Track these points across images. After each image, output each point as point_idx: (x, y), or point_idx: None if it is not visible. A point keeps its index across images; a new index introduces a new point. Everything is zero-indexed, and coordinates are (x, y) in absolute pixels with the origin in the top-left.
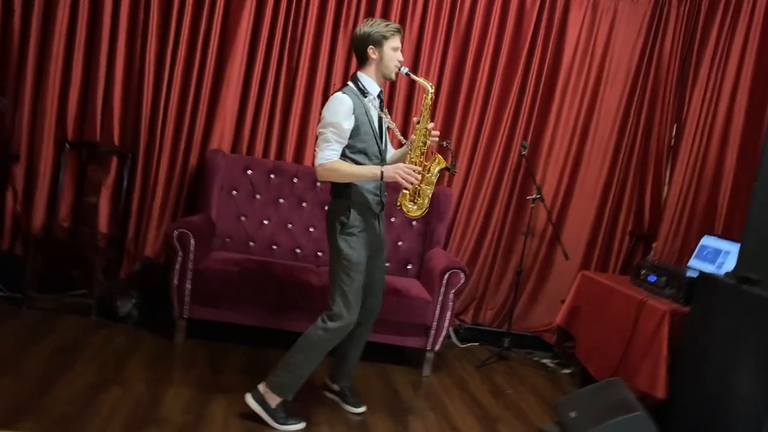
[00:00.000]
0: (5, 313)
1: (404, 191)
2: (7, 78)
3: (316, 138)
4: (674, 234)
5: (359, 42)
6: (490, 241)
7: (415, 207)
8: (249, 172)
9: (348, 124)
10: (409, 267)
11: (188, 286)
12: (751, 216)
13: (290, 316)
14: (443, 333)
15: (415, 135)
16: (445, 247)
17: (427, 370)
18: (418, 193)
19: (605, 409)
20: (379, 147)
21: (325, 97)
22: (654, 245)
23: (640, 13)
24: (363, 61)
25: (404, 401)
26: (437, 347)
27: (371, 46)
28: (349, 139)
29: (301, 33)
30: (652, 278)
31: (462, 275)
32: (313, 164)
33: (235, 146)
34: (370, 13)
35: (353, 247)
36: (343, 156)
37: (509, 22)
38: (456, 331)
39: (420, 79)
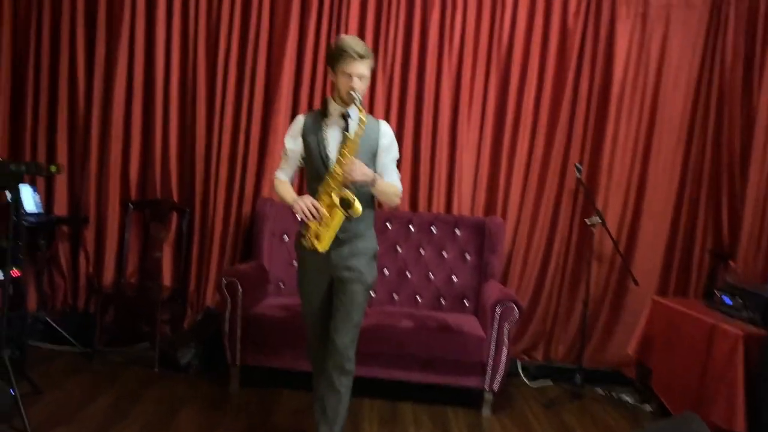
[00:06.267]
0: (76, 367)
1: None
2: (75, 146)
3: None
4: (755, 251)
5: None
6: (554, 272)
7: (314, 243)
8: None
9: (293, 145)
10: (466, 303)
11: (239, 333)
12: None
13: None
14: (500, 371)
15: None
16: (504, 280)
17: (486, 411)
18: (318, 235)
19: None
20: (327, 170)
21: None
22: (732, 263)
23: (695, 16)
24: None
25: None
26: (495, 386)
27: (329, 65)
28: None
29: None
30: (728, 300)
31: (515, 307)
32: None
33: None
34: (406, 50)
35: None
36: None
37: (552, 40)
38: (525, 369)
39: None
